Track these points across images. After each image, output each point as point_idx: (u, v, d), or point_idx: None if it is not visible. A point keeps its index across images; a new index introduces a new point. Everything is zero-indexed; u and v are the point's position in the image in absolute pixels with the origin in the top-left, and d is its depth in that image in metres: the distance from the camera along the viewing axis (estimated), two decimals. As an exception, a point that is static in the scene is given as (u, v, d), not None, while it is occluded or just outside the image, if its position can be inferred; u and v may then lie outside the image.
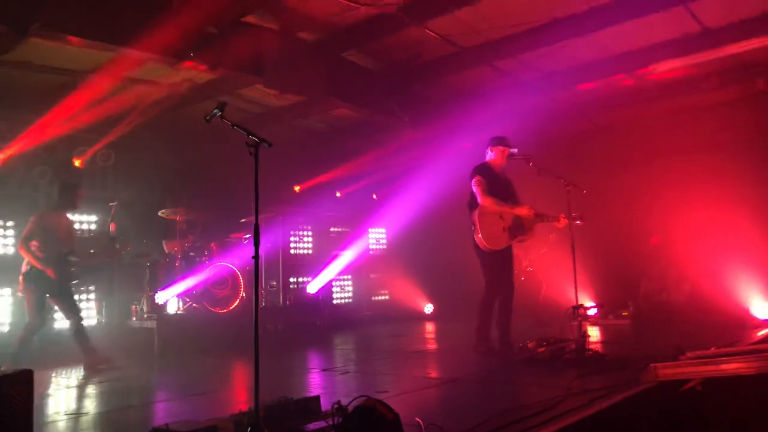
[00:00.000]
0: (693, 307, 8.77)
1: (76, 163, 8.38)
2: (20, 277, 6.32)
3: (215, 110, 3.46)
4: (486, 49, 7.94)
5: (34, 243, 6.28)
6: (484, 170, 6.22)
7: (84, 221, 8.71)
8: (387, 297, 12.62)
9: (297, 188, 11.06)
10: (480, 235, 5.97)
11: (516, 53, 8.01)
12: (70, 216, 6.78)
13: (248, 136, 3.30)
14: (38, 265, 6.19)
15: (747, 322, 7.80)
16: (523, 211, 6.09)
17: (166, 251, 8.45)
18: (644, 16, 6.88)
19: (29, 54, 6.95)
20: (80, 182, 6.79)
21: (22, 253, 6.31)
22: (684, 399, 4.11)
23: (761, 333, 6.96)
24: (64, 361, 6.65)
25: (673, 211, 9.60)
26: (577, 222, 6.16)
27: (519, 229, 6.16)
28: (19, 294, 6.56)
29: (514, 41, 7.69)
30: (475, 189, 6.11)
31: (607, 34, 7.40)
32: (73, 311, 6.47)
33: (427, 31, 7.30)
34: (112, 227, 8.32)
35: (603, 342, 7.08)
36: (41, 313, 6.33)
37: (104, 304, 8.54)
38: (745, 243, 8.78)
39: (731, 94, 9.27)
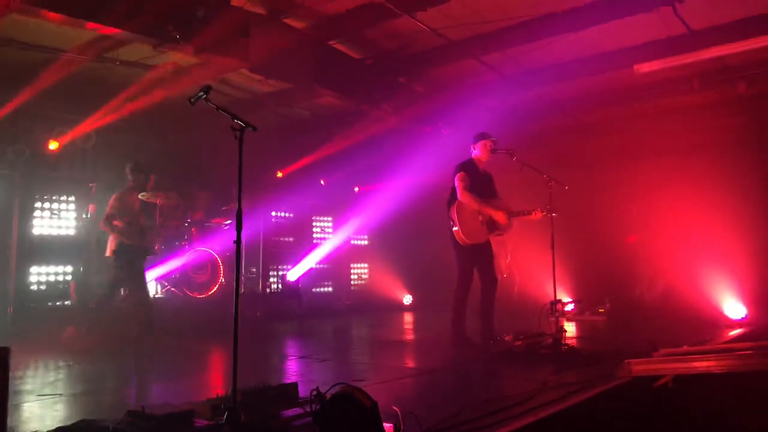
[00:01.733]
0: (667, 305, 8.90)
1: (52, 146, 8.24)
2: (110, 256, 6.77)
3: (200, 93, 3.42)
4: (473, 43, 7.94)
5: (116, 222, 6.73)
6: (467, 167, 6.30)
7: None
8: (366, 286, 12.64)
9: (279, 174, 11.00)
10: (459, 230, 6.04)
11: (503, 48, 8.01)
12: (140, 197, 7.20)
13: (233, 120, 3.27)
14: (126, 240, 6.68)
15: (719, 322, 7.94)
16: (498, 215, 6.09)
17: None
18: (631, 16, 6.92)
19: (10, 31, 6.82)
20: (153, 168, 7.35)
21: (107, 231, 6.82)
22: (656, 394, 4.18)
23: (733, 333, 7.09)
24: (41, 341, 6.57)
25: (651, 211, 9.73)
26: (553, 214, 6.17)
27: (496, 223, 6.20)
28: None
29: (502, 35, 7.69)
30: (456, 184, 6.18)
31: (594, 33, 7.43)
32: (139, 287, 6.91)
33: (415, 22, 7.28)
34: (91, 208, 8.24)
35: (579, 337, 7.16)
36: (136, 280, 6.84)
37: (79, 284, 8.44)
38: (720, 244, 8.91)
39: (712, 97, 9.38)
